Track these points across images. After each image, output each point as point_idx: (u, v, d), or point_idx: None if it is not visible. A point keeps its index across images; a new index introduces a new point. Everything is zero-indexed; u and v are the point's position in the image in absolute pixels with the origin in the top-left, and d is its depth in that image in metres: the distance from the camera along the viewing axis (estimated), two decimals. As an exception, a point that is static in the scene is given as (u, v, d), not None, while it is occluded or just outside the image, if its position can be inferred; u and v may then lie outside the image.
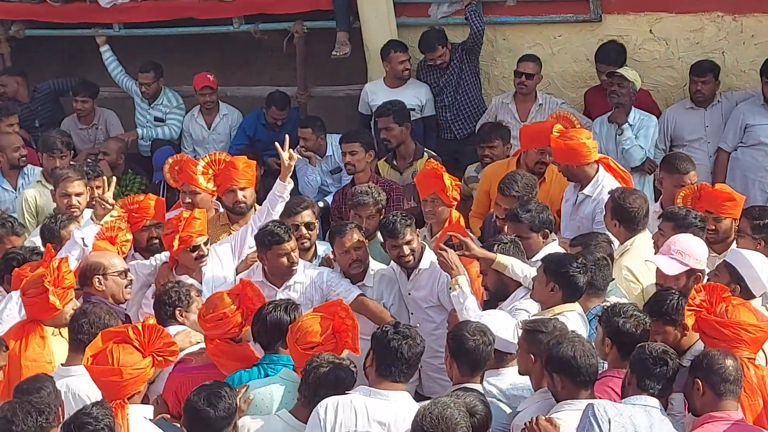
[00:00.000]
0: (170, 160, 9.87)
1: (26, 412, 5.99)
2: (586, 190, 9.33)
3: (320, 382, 6.47)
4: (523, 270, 7.89)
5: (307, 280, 8.60)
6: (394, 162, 11.01)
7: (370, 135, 11.06)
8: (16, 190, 11.29)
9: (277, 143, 9.17)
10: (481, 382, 6.77)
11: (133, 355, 6.49)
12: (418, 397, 7.98)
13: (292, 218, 8.99)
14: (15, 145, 11.47)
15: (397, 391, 6.40)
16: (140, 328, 6.59)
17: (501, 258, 7.92)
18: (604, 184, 9.24)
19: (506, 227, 8.81)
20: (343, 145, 10.71)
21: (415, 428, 5.88)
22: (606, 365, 6.82)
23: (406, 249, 8.58)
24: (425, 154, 10.92)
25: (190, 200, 9.43)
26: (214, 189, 9.51)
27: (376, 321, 7.81)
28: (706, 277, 7.59)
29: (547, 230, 8.56)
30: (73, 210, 9.62)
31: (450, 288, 7.88)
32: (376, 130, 11.45)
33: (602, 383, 6.65)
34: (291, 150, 9.05)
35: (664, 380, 6.32)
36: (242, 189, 9.39)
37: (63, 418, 6.23)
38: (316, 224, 9.25)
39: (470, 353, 6.69)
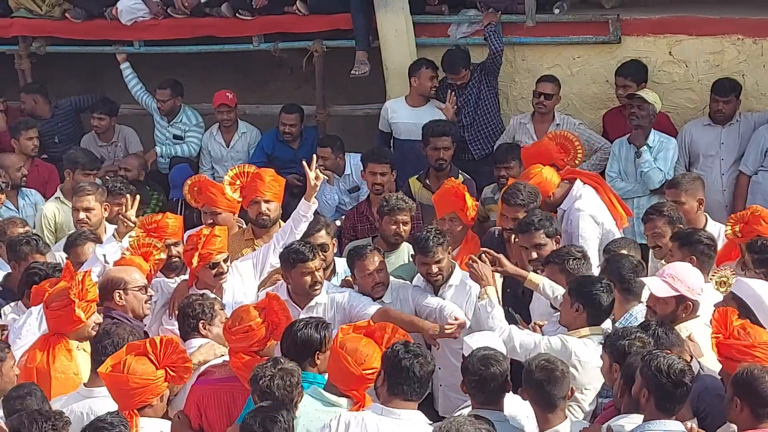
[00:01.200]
0: (189, 181, 9.87)
1: (32, 420, 6.05)
2: (563, 205, 9.52)
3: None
4: (554, 290, 7.91)
5: (329, 301, 8.55)
6: (427, 181, 10.96)
7: (393, 155, 11.05)
8: (18, 210, 11.33)
9: (304, 162, 9.16)
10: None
11: (146, 366, 6.62)
12: (434, 414, 7.96)
13: (307, 238, 8.95)
14: (17, 165, 11.54)
15: (409, 410, 6.40)
16: (158, 341, 6.69)
17: (533, 276, 8.01)
18: (577, 195, 9.44)
19: (513, 238, 8.90)
20: (373, 164, 10.69)
21: None
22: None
23: (435, 268, 8.56)
24: (460, 176, 10.85)
25: (212, 221, 9.44)
26: (240, 200, 9.52)
27: (407, 328, 7.70)
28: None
29: (558, 236, 8.66)
30: (82, 225, 9.66)
31: (479, 297, 7.89)
32: (401, 145, 11.53)
33: (610, 413, 6.67)
34: (317, 170, 9.04)
35: (684, 401, 6.28)
36: (267, 201, 9.40)
37: None
38: (331, 245, 9.23)
39: (480, 383, 6.61)
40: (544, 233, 8.61)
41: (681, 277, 7.41)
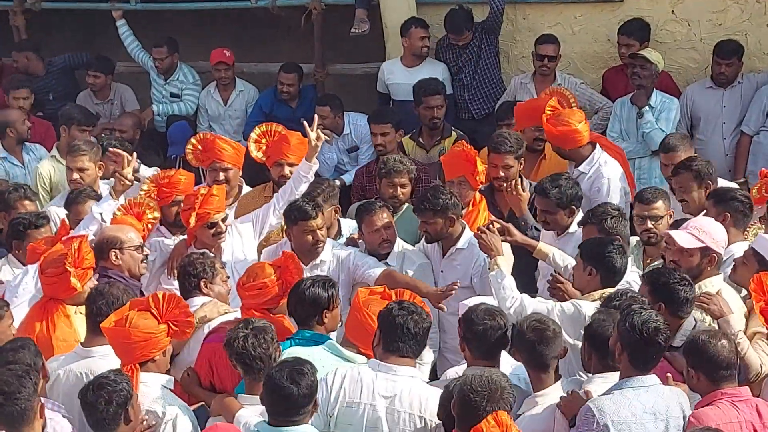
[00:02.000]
0: (193, 140, 9.73)
1: (19, 376, 6.02)
2: (581, 168, 9.42)
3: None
4: (564, 260, 7.87)
5: (334, 259, 8.57)
6: (420, 139, 10.91)
7: (397, 114, 10.96)
8: (24, 165, 11.24)
9: (305, 121, 9.09)
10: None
11: (148, 320, 6.61)
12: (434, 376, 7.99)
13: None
14: (23, 118, 11.45)
15: (406, 367, 6.44)
16: (160, 297, 6.68)
17: (543, 246, 7.97)
18: (601, 161, 9.37)
19: (504, 186, 8.94)
20: (374, 125, 10.68)
21: (464, 392, 5.81)
22: None
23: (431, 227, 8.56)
24: (453, 133, 10.81)
25: (223, 177, 9.39)
26: (263, 159, 9.46)
27: (411, 290, 7.63)
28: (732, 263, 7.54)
29: (573, 207, 8.55)
30: (76, 185, 9.61)
31: (489, 268, 7.81)
32: (399, 106, 11.44)
33: None
34: (318, 130, 8.95)
35: (657, 360, 6.29)
36: (290, 165, 9.30)
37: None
38: (333, 210, 9.15)
39: (479, 337, 6.65)
40: (556, 203, 8.50)
41: (706, 229, 7.39)
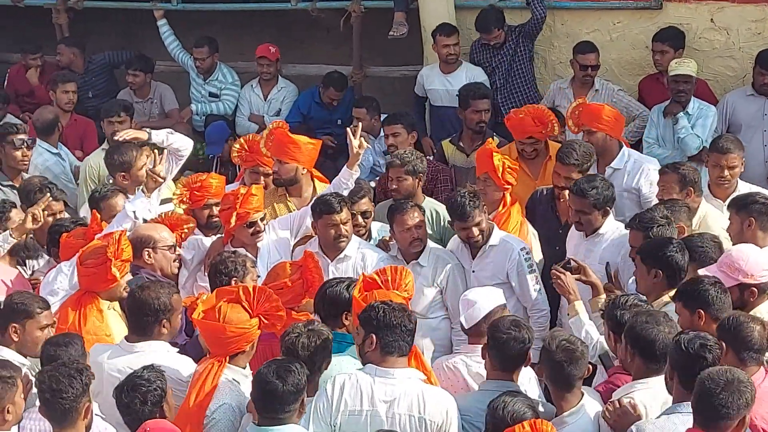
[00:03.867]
0: (242, 140, 9.73)
1: (69, 376, 6.07)
2: (614, 164, 9.56)
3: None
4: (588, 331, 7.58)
5: (359, 256, 8.63)
6: (460, 143, 10.90)
7: (412, 116, 11.00)
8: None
9: (349, 129, 9.12)
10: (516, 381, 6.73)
11: (241, 314, 6.66)
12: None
13: (350, 206, 8.97)
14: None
15: (402, 369, 6.48)
16: (251, 290, 6.74)
17: (578, 305, 7.64)
18: (634, 155, 9.50)
19: (565, 195, 8.88)
20: (385, 127, 10.76)
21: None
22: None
23: (476, 230, 8.57)
24: (495, 137, 10.83)
25: (264, 182, 9.45)
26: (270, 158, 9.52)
27: None
28: None
29: (608, 208, 8.57)
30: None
31: (567, 313, 7.69)
32: (435, 111, 11.49)
33: (609, 382, 6.66)
34: (362, 138, 9.00)
35: None
36: (280, 162, 9.31)
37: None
38: (372, 210, 9.23)
39: (502, 348, 6.63)
40: (592, 203, 8.49)
41: (737, 264, 7.17)
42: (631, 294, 7.16)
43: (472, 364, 7.08)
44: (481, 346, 6.87)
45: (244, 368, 6.75)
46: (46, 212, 8.81)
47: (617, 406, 6.21)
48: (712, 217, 8.62)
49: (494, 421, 6.20)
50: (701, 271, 7.25)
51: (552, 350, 6.37)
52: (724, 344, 6.19)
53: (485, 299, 7.24)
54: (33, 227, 8.69)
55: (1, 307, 7.29)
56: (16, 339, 7.08)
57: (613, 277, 7.89)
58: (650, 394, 6.28)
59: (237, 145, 9.70)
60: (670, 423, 5.94)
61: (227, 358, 6.62)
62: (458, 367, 7.17)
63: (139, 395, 6.11)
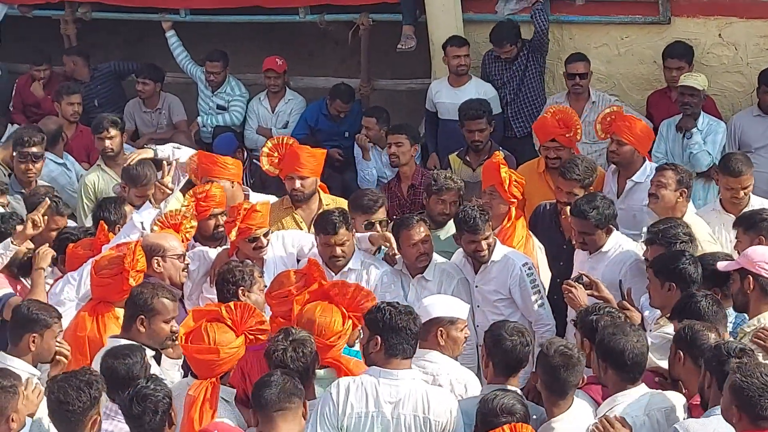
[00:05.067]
0: (269, 144, 9.62)
1: (77, 388, 6.06)
2: (635, 177, 9.57)
3: None
4: None
5: (362, 270, 8.64)
6: (467, 158, 10.91)
7: (414, 129, 11.01)
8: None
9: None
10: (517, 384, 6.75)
11: (228, 334, 6.63)
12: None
13: (367, 215, 9.02)
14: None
15: (406, 370, 6.51)
16: (233, 307, 6.71)
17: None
18: (653, 169, 9.39)
19: (568, 210, 8.82)
20: (389, 136, 10.77)
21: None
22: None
23: (484, 244, 8.55)
24: (500, 152, 10.82)
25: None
26: (275, 172, 9.50)
27: None
28: None
29: (611, 226, 8.54)
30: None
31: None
32: (444, 125, 11.51)
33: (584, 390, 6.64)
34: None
35: None
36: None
37: None
38: (388, 221, 9.21)
39: (506, 353, 6.65)
40: (594, 224, 8.47)
41: (747, 251, 7.32)
42: (603, 305, 7.15)
43: (413, 367, 6.89)
44: (431, 351, 6.96)
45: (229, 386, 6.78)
46: (46, 217, 8.77)
47: (606, 423, 6.18)
48: (696, 227, 8.55)
49: (483, 411, 6.24)
50: (721, 265, 7.37)
51: (549, 355, 6.39)
52: (681, 353, 6.33)
53: (436, 306, 7.21)
54: (34, 233, 8.67)
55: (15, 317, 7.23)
56: (33, 349, 7.02)
57: (627, 294, 7.85)
58: (633, 406, 6.30)
59: (265, 149, 9.57)
60: (709, 421, 6.00)
61: (218, 380, 6.59)
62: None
63: (150, 405, 6.05)
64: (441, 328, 7.10)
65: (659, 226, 8.16)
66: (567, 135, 9.92)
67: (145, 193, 9.37)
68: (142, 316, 7.13)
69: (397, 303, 6.69)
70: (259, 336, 6.78)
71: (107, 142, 10.81)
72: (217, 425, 6.22)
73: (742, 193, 9.09)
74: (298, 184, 9.37)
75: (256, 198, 9.24)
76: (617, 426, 6.11)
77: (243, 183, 10.51)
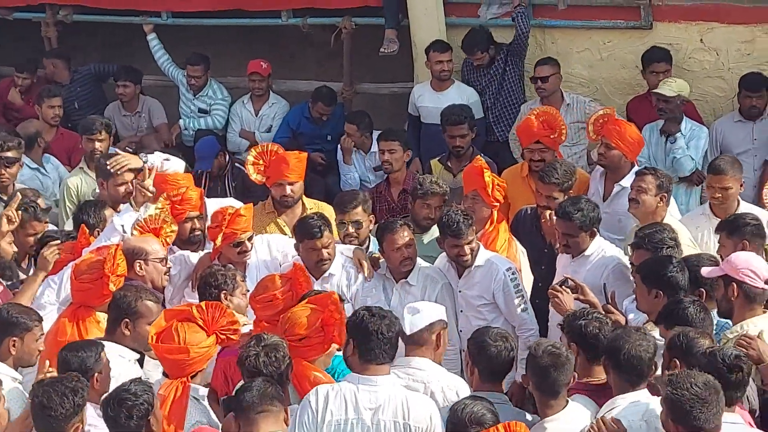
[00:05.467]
0: (254, 152, 9.54)
1: (62, 394, 6.03)
2: (622, 182, 9.54)
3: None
4: None
5: (344, 274, 8.64)
6: (448, 163, 10.91)
7: (406, 134, 11.00)
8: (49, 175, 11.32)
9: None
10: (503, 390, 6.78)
11: (198, 333, 6.60)
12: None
13: (341, 215, 9.02)
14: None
15: (384, 376, 6.49)
16: (204, 306, 6.69)
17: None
18: None
19: (548, 214, 8.89)
20: (381, 142, 10.76)
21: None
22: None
23: (467, 249, 8.55)
24: (482, 157, 10.81)
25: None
26: (263, 180, 9.45)
27: None
28: None
29: (594, 229, 8.55)
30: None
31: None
32: (427, 129, 11.49)
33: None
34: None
35: (743, 387, 6.24)
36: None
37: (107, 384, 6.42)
38: (367, 221, 9.16)
39: (492, 360, 6.66)
40: (579, 226, 8.49)
41: (730, 258, 7.32)
42: (590, 310, 7.16)
43: (403, 376, 6.92)
44: (416, 357, 6.93)
45: (203, 385, 6.77)
46: (20, 212, 8.77)
47: (601, 424, 6.18)
48: (678, 233, 8.53)
49: (453, 422, 6.23)
50: (704, 271, 7.37)
51: (538, 356, 6.41)
52: (677, 360, 6.31)
53: (430, 310, 7.19)
54: (9, 228, 8.67)
55: None
56: (13, 353, 7.01)
57: (611, 298, 7.86)
58: (631, 410, 6.28)
59: (251, 158, 9.50)
60: None
61: (189, 379, 6.58)
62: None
63: (124, 410, 6.04)
64: (442, 331, 7.11)
65: (645, 231, 8.18)
66: (551, 136, 9.93)
67: (122, 183, 9.35)
68: (127, 319, 7.12)
69: (375, 307, 6.68)
70: (231, 336, 6.76)
71: (97, 144, 10.82)
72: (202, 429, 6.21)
73: (719, 193, 9.07)
74: (288, 190, 9.37)
75: (213, 206, 9.20)
76: (611, 428, 6.11)
77: (225, 186, 10.56)
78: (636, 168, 9.63)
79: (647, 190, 8.78)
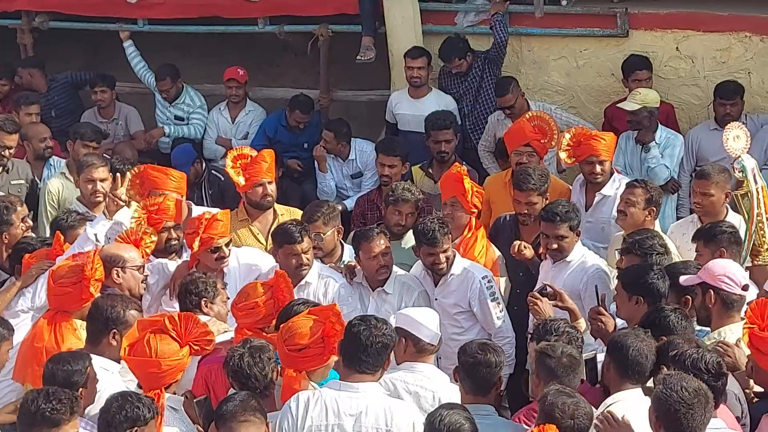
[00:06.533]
0: (231, 157, 9.53)
1: (53, 409, 5.98)
2: (604, 190, 9.59)
3: None
4: None
5: (320, 282, 8.63)
6: (430, 170, 10.94)
7: (406, 147, 10.95)
8: (41, 181, 11.22)
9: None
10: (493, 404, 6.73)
11: (171, 345, 6.58)
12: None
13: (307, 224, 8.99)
14: (42, 136, 11.44)
15: (368, 383, 6.46)
16: (176, 317, 6.66)
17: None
18: (623, 183, 9.40)
19: (528, 221, 8.95)
20: (382, 156, 10.72)
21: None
22: None
23: (442, 257, 8.57)
24: (463, 164, 10.79)
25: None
26: (243, 183, 9.45)
27: None
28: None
29: (579, 230, 8.62)
30: (97, 196, 9.59)
31: None
32: (404, 137, 11.48)
33: (531, 408, 6.63)
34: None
35: (724, 392, 6.31)
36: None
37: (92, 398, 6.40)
38: (335, 232, 9.15)
39: (467, 370, 6.65)
40: (569, 226, 8.54)
41: (708, 264, 7.35)
42: (562, 320, 7.18)
43: (411, 381, 7.01)
44: (422, 363, 7.00)
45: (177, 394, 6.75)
46: None
47: (609, 417, 6.15)
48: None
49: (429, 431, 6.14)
50: (682, 279, 7.38)
51: (560, 356, 6.46)
52: (664, 367, 6.33)
53: (428, 317, 7.24)
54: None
55: None
56: None
57: (601, 300, 7.82)
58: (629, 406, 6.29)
59: (229, 161, 9.49)
60: None
61: (163, 390, 6.54)
62: (395, 383, 7.05)
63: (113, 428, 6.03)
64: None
65: (635, 237, 8.21)
66: (542, 141, 9.96)
67: (89, 181, 9.52)
68: (115, 330, 7.08)
69: (370, 316, 6.68)
70: (205, 347, 6.75)
71: (91, 150, 10.85)
72: None
73: (699, 198, 9.05)
74: (269, 189, 9.39)
75: (198, 212, 9.18)
76: (620, 421, 6.09)
77: (202, 193, 10.53)
78: (616, 175, 9.66)
79: (636, 203, 8.81)
